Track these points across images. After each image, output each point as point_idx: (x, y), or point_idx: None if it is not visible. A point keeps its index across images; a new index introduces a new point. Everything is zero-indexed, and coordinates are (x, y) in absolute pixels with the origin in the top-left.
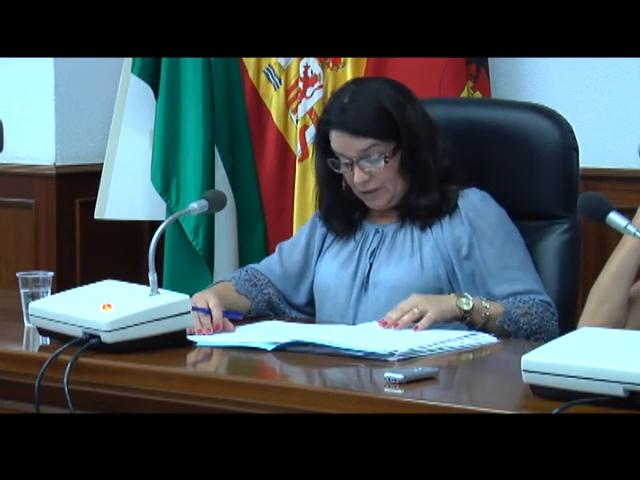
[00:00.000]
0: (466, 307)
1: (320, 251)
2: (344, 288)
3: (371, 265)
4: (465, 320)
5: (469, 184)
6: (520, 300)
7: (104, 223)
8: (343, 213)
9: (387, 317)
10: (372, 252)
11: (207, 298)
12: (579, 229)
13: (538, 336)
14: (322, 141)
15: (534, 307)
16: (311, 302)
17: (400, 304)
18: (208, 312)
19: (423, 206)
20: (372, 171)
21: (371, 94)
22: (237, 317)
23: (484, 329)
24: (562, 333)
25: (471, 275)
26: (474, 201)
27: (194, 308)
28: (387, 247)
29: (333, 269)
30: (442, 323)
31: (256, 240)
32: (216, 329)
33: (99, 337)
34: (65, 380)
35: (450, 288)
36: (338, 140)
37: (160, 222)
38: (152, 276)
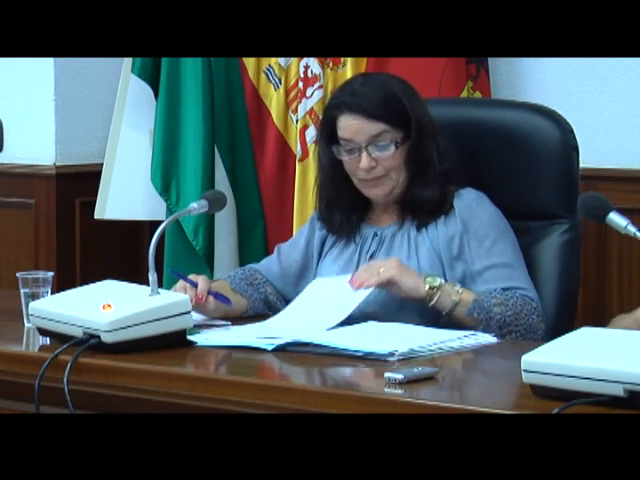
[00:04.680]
0: (435, 283)
1: (320, 254)
2: None
3: None
4: (433, 301)
5: (465, 185)
6: (498, 292)
7: (104, 223)
8: (345, 208)
9: (357, 276)
10: (371, 255)
11: (198, 277)
12: (579, 229)
13: (512, 328)
14: (327, 128)
15: (512, 299)
16: None
17: (371, 262)
18: (196, 285)
19: (426, 199)
20: (379, 157)
21: (381, 82)
22: (225, 302)
23: (452, 315)
24: (562, 333)
25: (461, 276)
26: (468, 201)
27: (183, 277)
28: (385, 250)
29: (334, 273)
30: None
31: (256, 240)
32: (198, 300)
33: (99, 337)
34: (65, 380)
35: None
36: (349, 124)
37: (160, 222)
38: (152, 276)
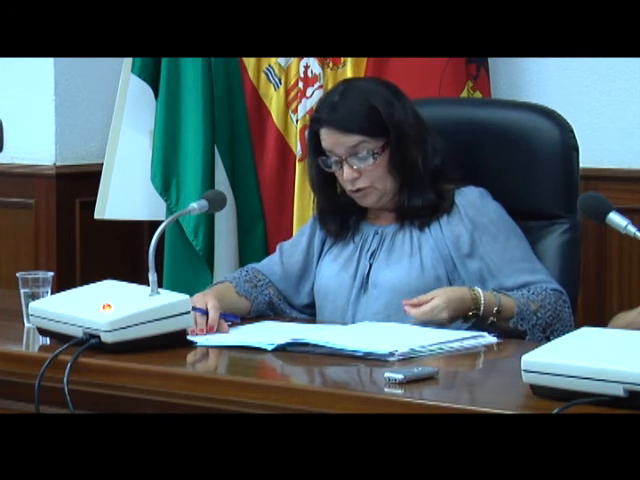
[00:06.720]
0: (479, 293)
1: (320, 254)
2: (344, 289)
3: (371, 266)
4: (478, 310)
5: (465, 183)
6: (533, 292)
7: (104, 223)
8: (338, 216)
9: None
10: (372, 253)
11: (207, 300)
12: (579, 229)
13: (553, 327)
14: (313, 140)
15: (547, 298)
16: (312, 303)
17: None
18: (206, 313)
19: (419, 206)
20: (361, 168)
21: (360, 93)
22: (235, 320)
23: (494, 326)
24: None
25: (477, 272)
26: (472, 198)
27: (193, 308)
28: (387, 248)
29: (333, 271)
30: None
31: (256, 240)
32: (209, 330)
33: (99, 337)
34: (65, 380)
35: None
36: (328, 137)
37: (160, 222)
38: (152, 276)
